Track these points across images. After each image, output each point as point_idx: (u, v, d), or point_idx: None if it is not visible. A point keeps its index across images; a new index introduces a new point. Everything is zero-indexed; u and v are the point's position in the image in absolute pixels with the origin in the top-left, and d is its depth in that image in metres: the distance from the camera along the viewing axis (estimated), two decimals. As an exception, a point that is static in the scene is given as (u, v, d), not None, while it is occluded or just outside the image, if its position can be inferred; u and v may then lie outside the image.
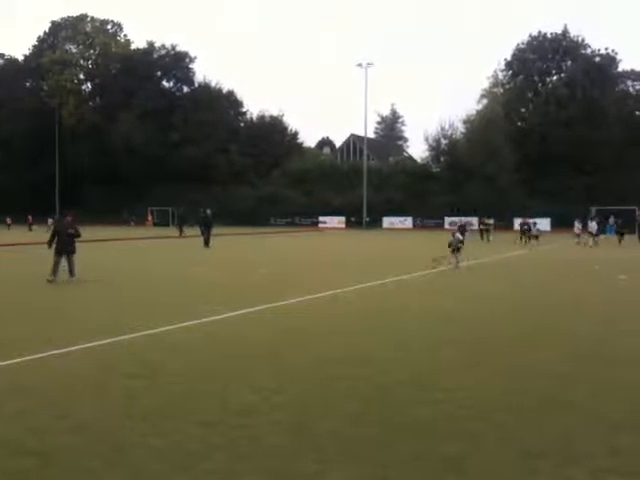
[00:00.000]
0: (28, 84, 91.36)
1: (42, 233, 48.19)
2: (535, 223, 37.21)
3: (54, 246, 16.97)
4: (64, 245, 16.82)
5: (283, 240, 43.94)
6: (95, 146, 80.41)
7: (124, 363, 8.18)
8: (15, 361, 8.16)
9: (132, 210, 75.44)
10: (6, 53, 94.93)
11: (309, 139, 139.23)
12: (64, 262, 16.87)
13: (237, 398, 6.66)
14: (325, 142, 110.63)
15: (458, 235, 22.06)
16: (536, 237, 34.75)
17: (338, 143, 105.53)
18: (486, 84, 79.07)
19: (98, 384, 7.25)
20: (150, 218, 72.43)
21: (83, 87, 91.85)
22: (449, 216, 66.11)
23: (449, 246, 21.53)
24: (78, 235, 17.15)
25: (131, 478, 4.72)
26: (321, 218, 72.54)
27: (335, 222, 71.10)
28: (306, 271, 20.72)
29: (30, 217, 60.10)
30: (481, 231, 40.75)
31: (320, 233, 51.02)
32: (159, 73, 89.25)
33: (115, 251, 32.06)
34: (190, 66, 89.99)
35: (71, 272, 16.79)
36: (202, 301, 13.83)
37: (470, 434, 5.64)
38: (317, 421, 5.97)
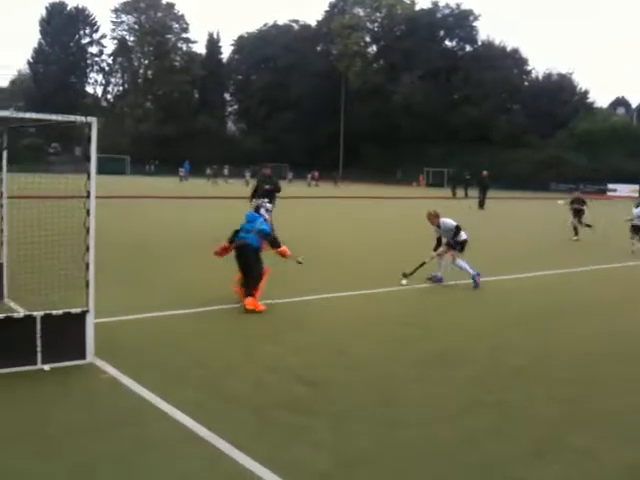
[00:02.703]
0: (319, 48, 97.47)
1: (302, 188, 51.72)
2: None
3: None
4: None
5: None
6: (376, 107, 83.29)
7: (400, 312, 8.45)
8: (300, 299, 8.90)
9: (405, 170, 77.00)
10: (300, 19, 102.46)
11: (601, 99, 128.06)
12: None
13: (508, 360, 6.45)
14: (619, 102, 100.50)
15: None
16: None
17: (635, 103, 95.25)
18: None
19: (374, 328, 7.59)
20: (422, 179, 73.14)
21: (368, 50, 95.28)
22: None
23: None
24: (277, 190, 15.76)
25: (402, 417, 4.82)
26: (610, 185, 66.41)
27: (626, 190, 64.25)
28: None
29: (315, 173, 64.69)
30: None
31: (609, 202, 46.68)
32: (442, 33, 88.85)
33: (392, 208, 33.10)
34: (474, 24, 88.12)
35: None
36: (487, 261, 13.64)
37: None
38: (591, 396, 5.51)
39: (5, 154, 7.15)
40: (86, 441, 4.19)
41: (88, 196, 5.50)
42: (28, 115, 5.73)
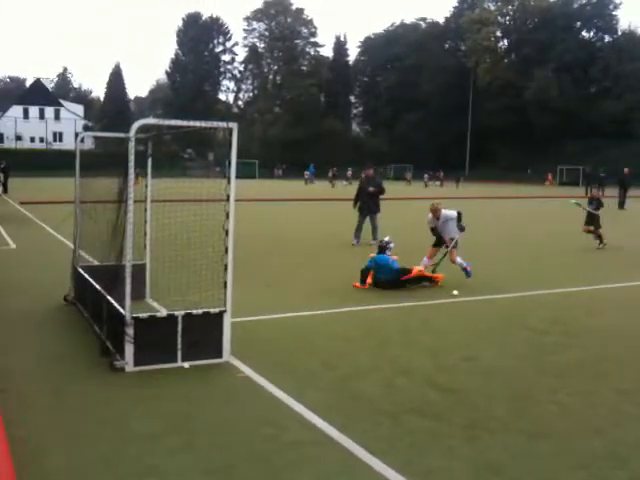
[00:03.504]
0: (447, 45, 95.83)
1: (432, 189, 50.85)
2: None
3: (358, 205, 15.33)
4: (365, 203, 14.97)
5: None
6: (506, 103, 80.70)
7: (533, 317, 8.09)
8: (428, 303, 8.78)
9: (537, 168, 73.75)
10: (428, 17, 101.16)
11: None
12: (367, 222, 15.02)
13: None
14: None
15: None
16: None
17: None
18: None
19: (505, 333, 7.32)
20: (550, 177, 69.57)
21: (499, 45, 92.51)
22: None
23: None
24: (381, 192, 15.12)
25: (539, 429, 4.60)
26: None
27: None
28: None
29: (441, 173, 63.46)
30: None
31: None
32: (578, 24, 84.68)
33: (509, 208, 31.96)
34: (613, 13, 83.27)
35: (373, 234, 14.63)
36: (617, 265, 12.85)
37: None
38: None
39: (150, 161, 7.56)
40: (225, 439, 4.33)
41: (228, 199, 5.69)
42: (174, 122, 6.01)
